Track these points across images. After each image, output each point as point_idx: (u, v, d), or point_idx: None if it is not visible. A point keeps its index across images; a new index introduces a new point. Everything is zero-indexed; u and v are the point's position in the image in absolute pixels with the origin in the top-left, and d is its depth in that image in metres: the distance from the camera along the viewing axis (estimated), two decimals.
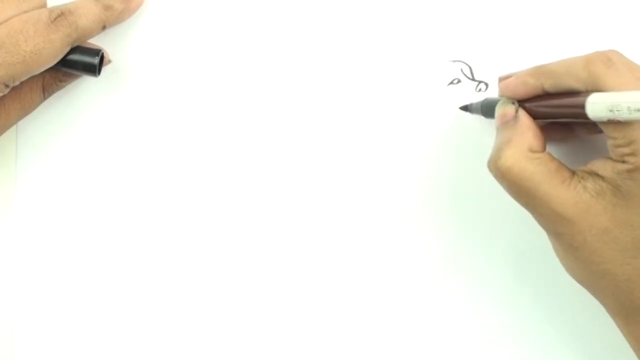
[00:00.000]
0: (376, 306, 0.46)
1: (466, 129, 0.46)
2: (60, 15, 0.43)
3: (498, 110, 0.41)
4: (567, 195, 0.37)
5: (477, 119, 0.46)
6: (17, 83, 0.43)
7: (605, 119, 0.36)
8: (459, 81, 0.46)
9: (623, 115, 0.34)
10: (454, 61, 0.46)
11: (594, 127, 0.40)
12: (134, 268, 0.47)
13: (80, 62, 0.45)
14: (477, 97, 0.46)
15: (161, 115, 0.47)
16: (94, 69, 0.45)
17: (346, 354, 0.46)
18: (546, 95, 0.39)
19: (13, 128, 0.47)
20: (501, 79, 0.42)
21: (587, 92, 0.36)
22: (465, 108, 0.45)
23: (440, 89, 0.46)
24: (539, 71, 0.39)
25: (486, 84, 0.46)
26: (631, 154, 0.36)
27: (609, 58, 0.37)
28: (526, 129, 0.39)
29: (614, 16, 0.46)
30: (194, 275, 0.47)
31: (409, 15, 0.47)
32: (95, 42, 0.46)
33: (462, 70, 0.46)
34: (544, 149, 0.39)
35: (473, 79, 0.46)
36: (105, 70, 0.46)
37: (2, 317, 0.47)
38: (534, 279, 0.45)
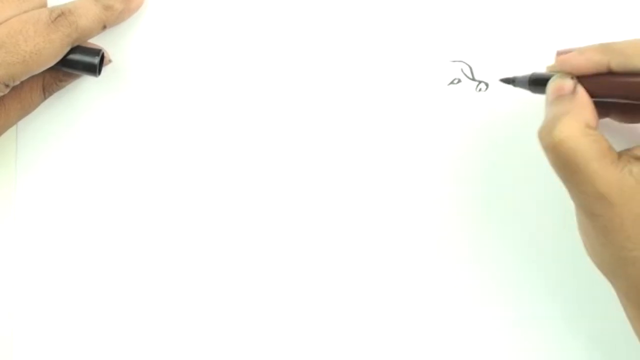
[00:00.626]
0: (384, 305, 0.46)
1: (467, 129, 0.46)
2: (60, 15, 0.43)
3: (553, 83, 0.40)
4: (613, 176, 0.37)
5: (477, 119, 0.46)
6: (17, 83, 0.43)
7: None
8: (459, 81, 0.46)
9: None
10: (454, 61, 0.46)
11: (635, 116, 0.40)
12: (134, 268, 0.47)
13: (81, 62, 0.45)
14: (477, 97, 0.46)
15: (161, 115, 0.47)
16: (94, 69, 0.45)
17: (355, 353, 0.46)
18: (608, 74, 0.38)
19: (13, 128, 0.47)
20: (560, 53, 0.41)
21: None
22: (507, 80, 0.43)
23: (440, 89, 0.46)
24: (607, 48, 0.38)
25: (486, 84, 0.46)
26: None
27: None
28: (585, 104, 0.38)
29: (614, 16, 0.46)
30: (195, 275, 0.47)
31: (409, 16, 0.47)
32: (95, 42, 0.46)
33: (462, 70, 0.46)
34: (597, 127, 0.38)
35: (473, 79, 0.46)
36: (105, 70, 0.46)
37: (2, 317, 0.47)
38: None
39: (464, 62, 0.46)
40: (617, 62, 0.38)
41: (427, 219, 0.46)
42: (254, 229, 0.47)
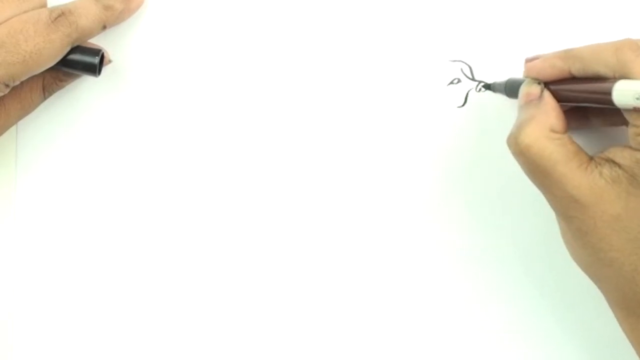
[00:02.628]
0: (383, 306, 0.46)
1: (466, 129, 0.46)
2: (60, 15, 0.43)
3: (523, 89, 0.40)
4: (582, 179, 0.37)
5: (477, 119, 0.46)
6: (17, 83, 0.43)
7: (630, 107, 0.36)
8: (459, 81, 0.46)
9: None
10: (454, 61, 0.46)
11: (612, 118, 0.40)
12: (134, 268, 0.47)
13: (81, 62, 0.45)
14: (477, 97, 0.46)
15: (161, 115, 0.47)
16: (94, 69, 0.45)
17: (354, 354, 0.46)
18: (572, 79, 0.39)
19: (13, 128, 0.47)
20: (527, 60, 0.42)
21: (615, 79, 0.36)
22: (487, 86, 0.45)
23: (440, 89, 0.46)
24: (567, 54, 0.39)
25: (486, 84, 0.46)
26: None
27: (638, 46, 0.37)
28: (550, 109, 0.39)
29: (614, 16, 0.46)
30: (194, 275, 0.47)
31: (409, 16, 0.47)
32: (95, 42, 0.46)
33: (462, 70, 0.46)
34: (565, 131, 0.38)
35: (473, 79, 0.46)
36: (105, 70, 0.46)
37: (2, 317, 0.47)
38: (542, 278, 0.45)
39: (464, 62, 0.46)
40: (577, 68, 0.39)
41: (427, 218, 0.46)
42: (253, 228, 0.47)
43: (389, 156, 0.46)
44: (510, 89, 0.43)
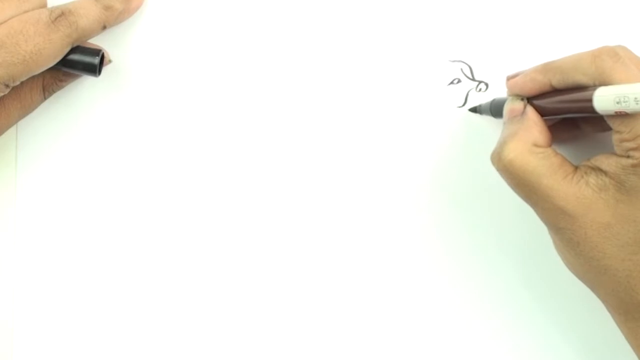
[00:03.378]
0: (379, 307, 0.46)
1: (466, 129, 0.46)
2: (60, 15, 0.43)
3: (506, 107, 0.41)
4: (569, 190, 0.37)
5: (477, 119, 0.46)
6: (18, 83, 0.43)
7: (612, 112, 0.36)
8: (459, 81, 0.46)
9: (630, 107, 0.35)
10: (454, 61, 0.46)
11: (599, 124, 0.40)
12: (135, 268, 0.47)
13: (81, 62, 0.45)
14: (477, 97, 0.46)
15: (161, 115, 0.47)
16: (94, 69, 0.45)
17: (350, 354, 0.46)
18: (554, 91, 0.39)
19: (13, 128, 0.47)
20: (509, 78, 0.42)
21: (595, 86, 0.37)
22: (474, 110, 0.46)
23: (440, 89, 0.46)
24: (546, 68, 0.39)
25: (486, 84, 0.46)
26: (636, 149, 0.36)
27: (615, 52, 0.37)
28: (532, 124, 0.39)
29: (614, 15, 0.46)
30: (194, 276, 0.47)
31: (409, 16, 0.47)
32: (95, 42, 0.46)
33: (462, 70, 0.46)
34: (549, 145, 0.39)
35: (473, 79, 0.46)
36: (105, 70, 0.46)
37: (2, 317, 0.47)
38: (538, 279, 0.45)
39: (464, 62, 0.46)
40: (557, 80, 0.39)
41: (426, 218, 0.46)
42: (252, 228, 0.47)
43: (388, 156, 0.46)
44: (496, 108, 0.43)
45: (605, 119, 0.37)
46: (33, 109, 0.46)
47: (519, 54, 0.46)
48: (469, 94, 0.46)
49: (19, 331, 0.47)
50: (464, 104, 0.46)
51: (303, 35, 0.47)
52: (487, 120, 0.46)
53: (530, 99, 0.40)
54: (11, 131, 0.47)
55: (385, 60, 0.47)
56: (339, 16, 0.47)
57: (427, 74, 0.46)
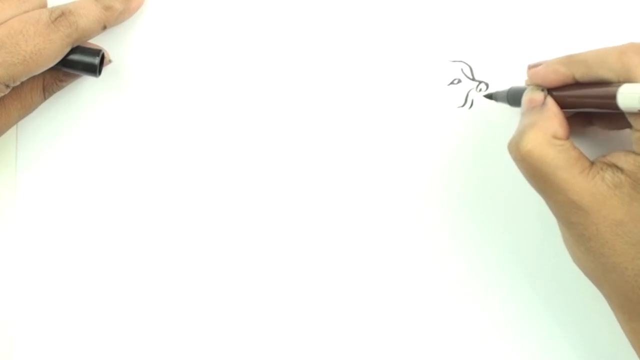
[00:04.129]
0: (383, 306, 0.46)
1: (466, 129, 0.46)
2: (60, 15, 0.43)
3: (526, 96, 0.40)
4: (584, 184, 0.37)
5: (477, 120, 0.46)
6: (18, 83, 0.43)
7: (635, 110, 0.36)
8: (459, 81, 0.46)
9: None
10: (454, 61, 0.46)
11: (615, 122, 0.40)
12: (135, 267, 0.47)
13: (81, 62, 0.45)
14: (477, 97, 0.46)
15: (161, 115, 0.47)
16: (95, 69, 0.45)
17: (353, 354, 0.46)
18: (576, 84, 0.39)
19: (13, 128, 0.47)
20: (530, 67, 0.41)
21: (619, 83, 0.36)
22: (490, 96, 0.45)
23: (440, 89, 0.46)
24: (570, 60, 0.39)
25: (486, 84, 0.46)
26: None
27: None
28: (552, 115, 0.39)
29: (614, 15, 0.46)
30: (195, 276, 0.47)
31: (409, 16, 0.47)
32: (95, 42, 0.46)
33: (462, 70, 0.46)
34: (567, 138, 0.38)
35: (473, 79, 0.46)
36: (105, 70, 0.46)
37: (2, 317, 0.47)
38: (544, 278, 0.45)
39: (464, 62, 0.46)
40: (580, 73, 0.38)
41: (426, 219, 0.46)
42: (253, 228, 0.47)
43: (389, 156, 0.46)
44: (513, 97, 0.43)
45: (627, 116, 0.37)
46: (33, 109, 0.46)
47: (519, 54, 0.46)
48: (469, 94, 0.46)
49: (19, 331, 0.47)
50: (464, 104, 0.46)
51: (303, 35, 0.47)
52: (487, 120, 0.46)
53: (550, 90, 0.40)
54: (11, 131, 0.47)
55: (386, 60, 0.47)
56: (339, 16, 0.47)
57: (427, 74, 0.46)
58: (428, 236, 0.46)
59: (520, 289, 0.45)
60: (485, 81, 0.46)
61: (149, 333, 0.47)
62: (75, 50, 0.44)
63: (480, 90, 0.46)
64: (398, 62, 0.47)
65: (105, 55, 0.46)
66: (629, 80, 0.36)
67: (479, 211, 0.46)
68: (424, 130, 0.46)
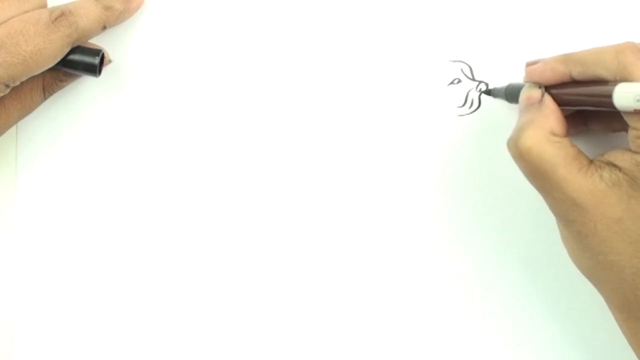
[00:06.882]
0: (383, 306, 0.46)
1: (466, 129, 0.46)
2: (60, 15, 0.43)
3: (524, 94, 0.41)
4: (582, 182, 0.37)
5: (477, 120, 0.46)
6: (18, 83, 0.43)
7: (631, 109, 0.36)
8: (459, 81, 0.46)
9: None
10: (454, 61, 0.46)
11: (611, 124, 0.40)
12: (135, 267, 0.47)
13: (81, 62, 0.45)
14: (477, 97, 0.46)
15: (162, 115, 0.47)
16: (95, 69, 0.45)
17: (354, 354, 0.46)
18: (573, 82, 0.39)
19: (13, 128, 0.47)
20: (528, 64, 0.42)
21: (615, 82, 0.37)
22: (488, 92, 0.45)
23: (440, 89, 0.46)
24: (567, 58, 0.39)
25: (486, 84, 0.46)
26: None
27: (639, 49, 0.37)
28: (550, 112, 0.39)
29: (611, 15, 0.46)
30: (195, 276, 0.47)
31: (409, 16, 0.47)
32: (95, 42, 0.46)
33: (462, 70, 0.46)
34: (565, 135, 0.39)
35: (473, 79, 0.46)
36: (105, 70, 0.46)
37: (2, 317, 0.47)
38: (543, 277, 0.45)
39: (464, 62, 0.46)
40: (577, 71, 0.39)
41: (426, 219, 0.46)
42: (253, 227, 0.47)
43: (389, 156, 0.46)
44: (511, 94, 0.43)
45: (623, 115, 0.37)
46: (33, 109, 0.46)
47: (519, 54, 0.46)
48: (469, 94, 0.46)
49: (19, 331, 0.47)
50: (463, 104, 0.46)
51: (303, 35, 0.47)
52: (487, 120, 0.46)
53: (547, 88, 0.40)
54: (11, 131, 0.47)
55: (386, 60, 0.47)
56: (339, 17, 0.47)
57: (427, 74, 0.46)
58: (428, 236, 0.46)
59: (519, 287, 0.45)
60: (485, 81, 0.46)
61: (149, 333, 0.47)
62: (75, 50, 0.44)
63: (480, 90, 0.46)
64: (398, 62, 0.47)
65: (105, 55, 0.46)
66: (625, 79, 0.36)
67: (478, 211, 0.46)
68: (424, 130, 0.46)
